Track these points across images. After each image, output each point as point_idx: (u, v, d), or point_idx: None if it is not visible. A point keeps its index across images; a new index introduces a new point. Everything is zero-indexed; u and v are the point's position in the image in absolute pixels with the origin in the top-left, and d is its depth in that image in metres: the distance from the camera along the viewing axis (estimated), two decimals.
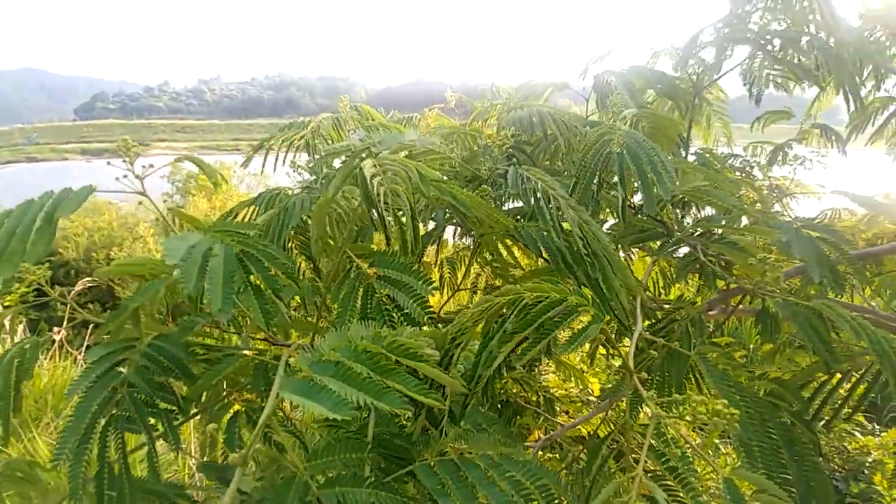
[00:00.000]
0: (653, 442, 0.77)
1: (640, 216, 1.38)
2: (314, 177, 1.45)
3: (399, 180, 0.88)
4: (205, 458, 1.16)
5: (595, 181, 1.16)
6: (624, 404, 1.03)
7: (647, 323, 1.24)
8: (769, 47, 1.77)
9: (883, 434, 3.14)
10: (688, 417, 0.65)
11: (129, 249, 7.68)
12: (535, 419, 2.41)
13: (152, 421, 0.82)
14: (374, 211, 0.90)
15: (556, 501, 0.78)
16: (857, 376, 1.11)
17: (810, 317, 0.96)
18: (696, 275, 1.49)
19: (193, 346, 0.90)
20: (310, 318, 1.33)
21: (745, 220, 1.43)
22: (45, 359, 4.47)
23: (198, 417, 1.02)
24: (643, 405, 0.82)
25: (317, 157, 1.88)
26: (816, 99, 2.37)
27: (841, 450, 3.10)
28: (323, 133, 2.02)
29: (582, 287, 1.05)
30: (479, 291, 2.13)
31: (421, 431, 0.88)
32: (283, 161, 2.37)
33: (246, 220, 1.28)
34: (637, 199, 1.43)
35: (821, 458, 1.01)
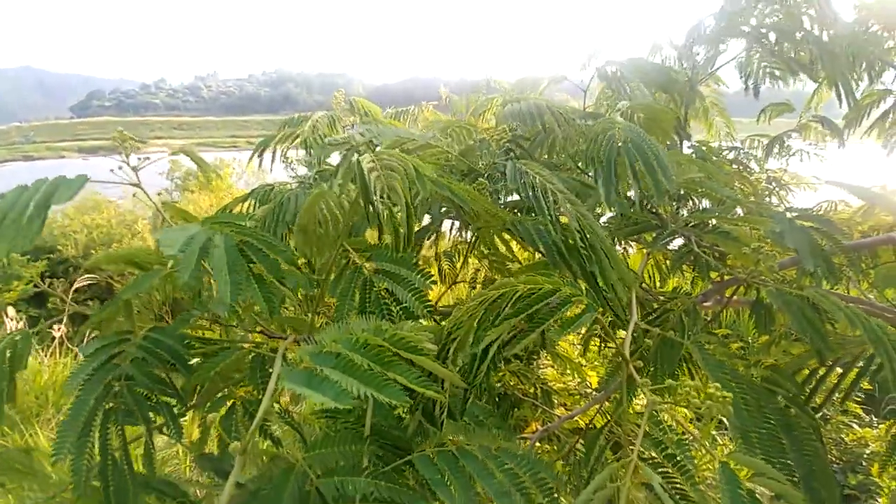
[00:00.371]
0: (648, 430, 0.77)
1: (634, 209, 1.38)
2: (310, 171, 1.46)
3: (396, 176, 0.89)
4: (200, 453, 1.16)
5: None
6: (620, 395, 1.04)
7: (642, 313, 1.25)
8: (764, 41, 1.77)
9: (880, 426, 3.15)
10: (682, 403, 0.66)
11: (127, 246, 7.70)
12: (533, 411, 2.42)
13: (151, 415, 0.83)
14: (370, 206, 0.90)
15: (553, 494, 0.79)
16: (849, 362, 1.12)
17: (803, 306, 0.97)
18: (691, 267, 1.50)
19: (190, 339, 0.90)
20: (306, 315, 1.34)
21: (739, 212, 1.44)
22: (46, 355, 4.48)
23: (198, 411, 1.03)
24: (638, 392, 0.83)
25: (313, 152, 1.89)
26: (815, 92, 2.37)
27: (838, 441, 3.12)
28: (320, 131, 2.03)
29: (577, 280, 1.05)
30: (477, 285, 2.14)
31: (418, 426, 0.89)
32: (282, 157, 2.38)
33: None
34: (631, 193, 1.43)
35: (821, 444, 1.02)
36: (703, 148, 1.86)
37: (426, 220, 1.49)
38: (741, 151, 2.32)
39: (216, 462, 0.95)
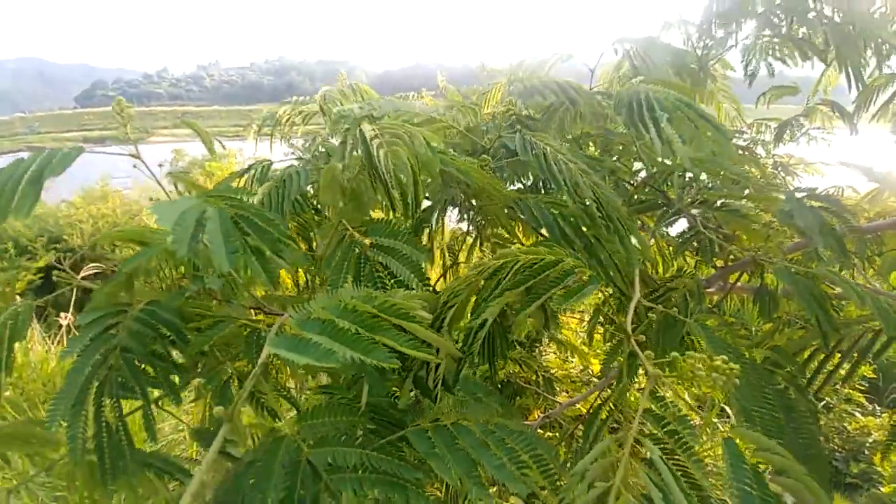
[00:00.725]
0: (650, 405, 0.76)
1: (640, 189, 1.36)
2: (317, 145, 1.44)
3: (399, 142, 0.87)
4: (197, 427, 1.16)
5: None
6: (621, 372, 1.02)
7: (645, 291, 1.23)
8: (776, 20, 1.73)
9: (883, 415, 3.14)
10: (687, 376, 0.64)
11: None
12: (535, 400, 2.42)
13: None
14: (375, 173, 0.89)
15: (552, 471, 0.77)
16: (849, 348, 1.10)
17: (811, 285, 0.95)
18: (694, 254, 1.47)
19: (186, 313, 0.90)
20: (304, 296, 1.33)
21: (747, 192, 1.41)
22: (53, 343, 4.51)
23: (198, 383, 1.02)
24: (640, 370, 0.81)
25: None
26: (823, 75, 2.32)
27: (841, 430, 3.10)
28: (334, 99, 2.08)
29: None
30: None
31: (415, 403, 0.87)
32: (281, 141, 2.38)
33: None
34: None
35: (819, 430, 1.00)
36: None
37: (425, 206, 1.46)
38: (747, 137, 2.28)
39: (212, 436, 0.95)
